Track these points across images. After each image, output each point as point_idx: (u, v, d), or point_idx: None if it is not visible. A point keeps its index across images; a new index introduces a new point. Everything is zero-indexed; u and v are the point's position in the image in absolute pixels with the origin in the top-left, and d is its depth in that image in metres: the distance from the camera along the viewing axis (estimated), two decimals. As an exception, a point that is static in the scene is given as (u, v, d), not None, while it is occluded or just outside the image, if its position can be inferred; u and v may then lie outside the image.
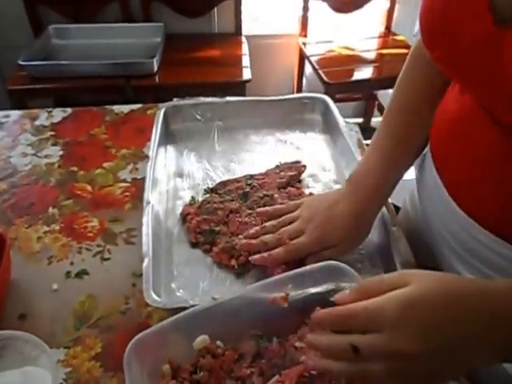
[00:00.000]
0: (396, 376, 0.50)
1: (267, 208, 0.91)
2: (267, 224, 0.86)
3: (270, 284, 0.67)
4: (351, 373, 0.52)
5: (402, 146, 0.84)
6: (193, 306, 0.69)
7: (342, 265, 0.70)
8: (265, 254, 0.81)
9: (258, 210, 0.91)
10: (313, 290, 0.69)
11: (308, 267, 0.70)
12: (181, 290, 0.81)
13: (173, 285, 0.82)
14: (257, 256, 0.81)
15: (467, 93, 0.69)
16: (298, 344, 0.65)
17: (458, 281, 0.53)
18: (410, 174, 0.90)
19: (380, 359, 0.49)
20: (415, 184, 0.95)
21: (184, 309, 0.70)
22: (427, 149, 0.87)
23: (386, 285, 0.52)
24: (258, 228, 0.86)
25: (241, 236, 0.88)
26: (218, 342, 0.66)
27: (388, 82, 2.32)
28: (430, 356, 0.48)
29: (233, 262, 0.85)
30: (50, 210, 0.97)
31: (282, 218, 0.86)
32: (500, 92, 0.56)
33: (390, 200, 0.98)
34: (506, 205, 0.65)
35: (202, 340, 0.65)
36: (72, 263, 0.87)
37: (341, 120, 1.13)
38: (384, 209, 0.90)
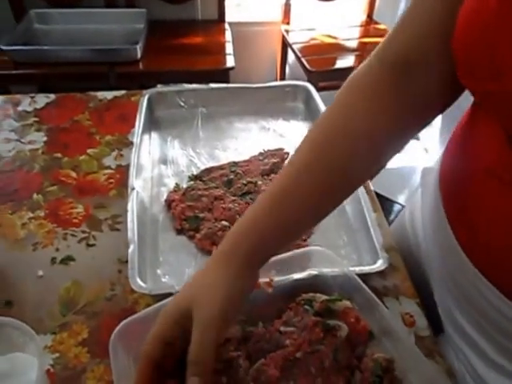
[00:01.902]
0: None
1: None
2: None
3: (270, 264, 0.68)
4: None
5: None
6: (178, 292, 0.70)
7: (326, 251, 0.71)
8: None
9: None
10: (296, 276, 0.71)
11: (291, 253, 0.71)
12: (166, 277, 0.82)
13: (158, 271, 0.83)
14: None
15: None
16: (282, 328, 0.66)
17: None
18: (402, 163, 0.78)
19: None
20: (419, 199, 0.86)
21: (170, 295, 0.71)
22: (436, 161, 0.76)
23: None
24: None
25: (224, 222, 0.89)
26: None
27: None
28: None
29: (214, 249, 0.85)
30: (35, 196, 0.97)
31: None
32: None
33: (371, 187, 0.99)
34: None
35: None
36: (57, 249, 0.87)
37: (323, 108, 1.14)
38: (365, 195, 0.91)
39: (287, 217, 0.61)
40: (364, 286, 0.68)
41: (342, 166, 0.61)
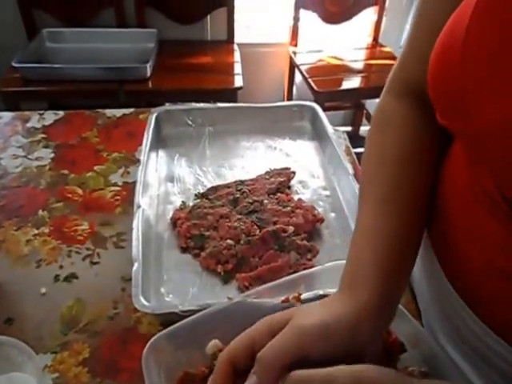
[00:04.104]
0: None
1: None
2: None
3: (283, 285, 0.67)
4: None
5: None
6: (183, 311, 0.69)
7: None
8: None
9: None
10: (322, 291, 0.70)
11: (319, 267, 0.71)
12: (170, 295, 0.81)
13: (162, 290, 0.82)
14: None
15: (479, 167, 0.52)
16: None
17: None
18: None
19: None
20: None
21: (173, 314, 0.70)
22: None
23: None
24: None
25: (229, 240, 0.88)
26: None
27: (375, 92, 2.34)
28: None
29: (219, 268, 0.85)
30: (40, 212, 0.96)
31: None
32: None
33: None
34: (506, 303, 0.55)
35: (213, 345, 0.64)
36: (61, 267, 0.86)
37: (329, 127, 1.15)
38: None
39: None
40: None
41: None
